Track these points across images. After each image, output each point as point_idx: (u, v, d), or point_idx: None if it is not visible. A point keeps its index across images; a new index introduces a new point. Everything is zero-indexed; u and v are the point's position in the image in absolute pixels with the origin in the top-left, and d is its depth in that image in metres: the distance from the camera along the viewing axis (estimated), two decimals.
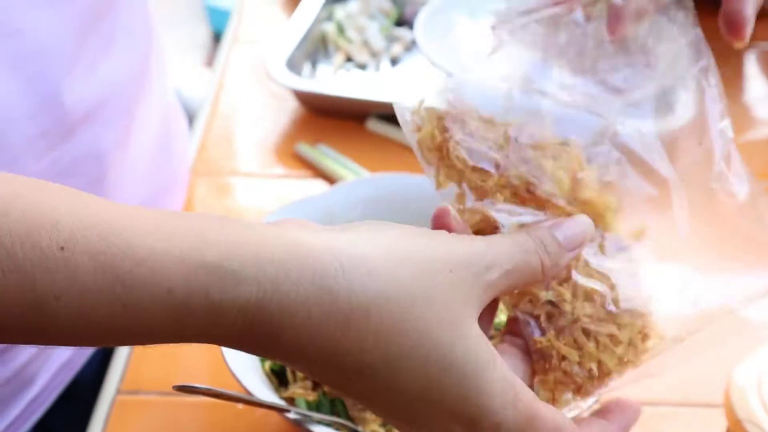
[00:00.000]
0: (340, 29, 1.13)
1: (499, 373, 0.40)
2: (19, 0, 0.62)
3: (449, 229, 0.45)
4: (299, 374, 0.65)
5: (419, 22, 1.06)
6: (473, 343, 0.40)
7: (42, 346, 0.75)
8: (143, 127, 0.80)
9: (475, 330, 0.40)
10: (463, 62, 1.01)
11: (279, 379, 0.66)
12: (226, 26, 1.24)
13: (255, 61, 1.15)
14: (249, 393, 0.59)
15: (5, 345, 0.71)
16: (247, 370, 0.61)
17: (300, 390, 0.63)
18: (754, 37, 1.15)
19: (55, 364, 0.79)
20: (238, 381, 0.60)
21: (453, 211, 0.46)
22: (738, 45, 0.58)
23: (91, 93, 0.69)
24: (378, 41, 1.13)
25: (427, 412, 0.40)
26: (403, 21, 1.18)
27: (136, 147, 0.78)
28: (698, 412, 0.72)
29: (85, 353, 0.82)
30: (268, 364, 0.66)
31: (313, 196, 0.75)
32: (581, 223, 0.46)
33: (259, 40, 1.19)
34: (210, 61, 2.88)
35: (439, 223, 0.46)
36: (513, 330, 0.48)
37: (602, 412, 0.48)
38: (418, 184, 0.76)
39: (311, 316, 0.38)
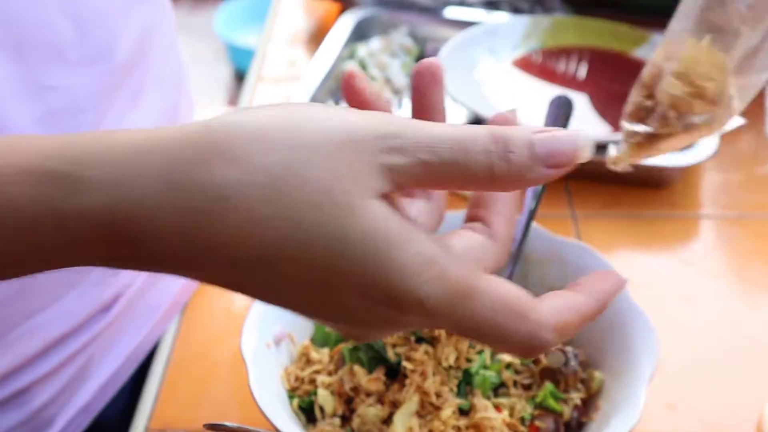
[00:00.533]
0: (363, 67, 1.14)
1: (416, 249, 0.37)
2: (55, 59, 0.64)
3: (359, 96, 0.43)
4: (327, 411, 0.65)
5: (441, 59, 1.07)
6: (371, 224, 0.36)
7: (60, 389, 0.76)
8: None
9: (373, 210, 0.36)
10: (485, 99, 1.02)
11: (307, 416, 0.66)
12: (249, 65, 1.25)
13: (279, 100, 1.16)
14: (278, 430, 0.59)
15: (23, 386, 0.72)
16: (276, 407, 0.62)
17: (328, 427, 0.64)
18: None
19: (75, 407, 0.79)
20: (267, 418, 0.60)
21: (364, 79, 0.43)
22: None
23: None
24: (400, 78, 1.14)
25: (337, 298, 0.37)
26: (425, 58, 1.18)
27: None
28: None
29: (106, 395, 0.83)
30: (296, 401, 0.66)
31: None
32: (578, 141, 0.41)
33: (283, 78, 1.21)
34: (233, 100, 2.91)
35: (349, 89, 0.44)
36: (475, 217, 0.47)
37: (573, 284, 0.44)
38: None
39: (167, 217, 0.35)
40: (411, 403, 0.63)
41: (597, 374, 0.68)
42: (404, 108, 1.12)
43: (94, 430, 0.82)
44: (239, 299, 0.87)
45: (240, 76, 3.01)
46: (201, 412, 0.75)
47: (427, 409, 0.63)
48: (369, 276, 0.36)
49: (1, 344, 0.70)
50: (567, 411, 0.66)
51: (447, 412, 0.63)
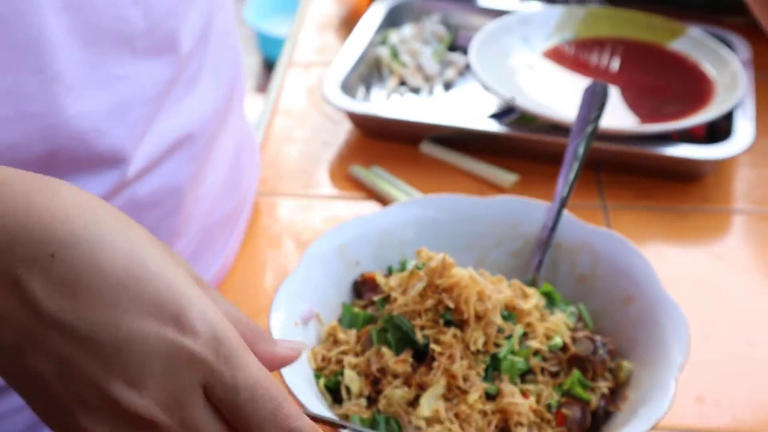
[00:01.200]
0: (394, 53, 1.14)
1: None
2: (125, 48, 0.64)
3: None
4: (354, 392, 0.65)
5: (473, 47, 1.07)
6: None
7: None
8: (219, 159, 0.80)
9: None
10: (518, 89, 1.02)
11: (333, 396, 0.66)
12: (278, 54, 1.25)
13: (310, 85, 1.16)
14: (304, 407, 0.59)
15: None
16: (302, 386, 0.62)
17: (354, 407, 0.64)
18: None
19: None
20: (294, 396, 0.60)
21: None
22: None
23: (172, 130, 0.70)
24: (432, 66, 1.13)
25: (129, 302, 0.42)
26: (456, 46, 1.19)
27: (211, 178, 0.79)
28: None
29: None
30: (322, 381, 0.66)
31: (369, 215, 0.76)
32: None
33: (314, 64, 1.21)
34: (262, 88, 2.91)
35: None
36: None
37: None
38: (472, 204, 0.77)
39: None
40: (438, 386, 0.62)
41: (626, 364, 0.68)
42: (435, 95, 1.12)
43: None
44: (270, 278, 0.88)
45: (269, 65, 3.01)
46: None
47: (454, 393, 0.63)
48: (164, 288, 0.43)
49: None
50: (594, 399, 0.66)
51: (474, 396, 0.62)
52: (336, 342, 0.68)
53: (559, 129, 0.97)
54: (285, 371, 0.61)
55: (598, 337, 0.68)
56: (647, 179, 0.98)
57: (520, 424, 0.63)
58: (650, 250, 0.89)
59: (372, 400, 0.64)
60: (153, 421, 0.43)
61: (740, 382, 0.76)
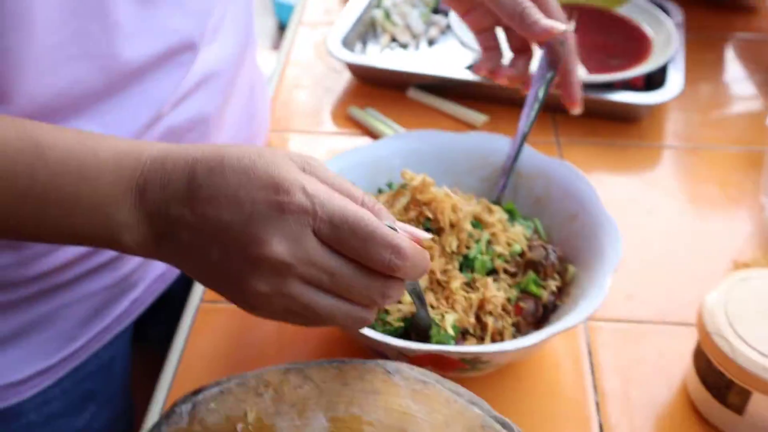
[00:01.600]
0: (387, 15, 1.14)
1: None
2: (175, 8, 0.64)
3: None
4: None
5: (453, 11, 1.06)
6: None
7: (143, 260, 0.78)
8: (237, 94, 0.81)
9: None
10: None
11: None
12: (291, 15, 1.25)
13: (316, 41, 1.16)
14: None
15: (115, 255, 0.74)
16: None
17: None
18: (733, 28, 1.15)
19: (153, 275, 0.82)
20: None
21: None
22: (575, 111, 0.77)
23: (203, 69, 0.71)
24: (418, 25, 1.13)
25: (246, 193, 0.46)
26: (439, 9, 1.18)
27: (231, 110, 0.80)
28: (674, 329, 0.73)
29: (177, 270, 0.85)
30: None
31: (363, 147, 0.76)
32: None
33: (320, 23, 1.20)
34: (276, 46, 2.89)
35: None
36: None
37: None
38: (448, 138, 0.77)
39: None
40: (422, 280, 0.64)
41: (570, 267, 0.69)
42: (420, 50, 1.11)
43: (168, 296, 0.84)
44: None
45: (282, 27, 2.98)
46: None
47: (435, 286, 0.64)
48: (267, 174, 0.46)
49: None
50: (545, 295, 0.67)
51: (456, 284, 0.64)
52: None
53: None
54: None
55: (549, 246, 0.70)
56: (594, 120, 0.98)
57: (491, 313, 0.64)
58: (595, 178, 0.89)
59: None
60: (288, 264, 0.46)
61: (663, 283, 0.78)
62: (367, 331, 0.58)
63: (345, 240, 0.46)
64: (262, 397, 0.53)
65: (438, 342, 0.61)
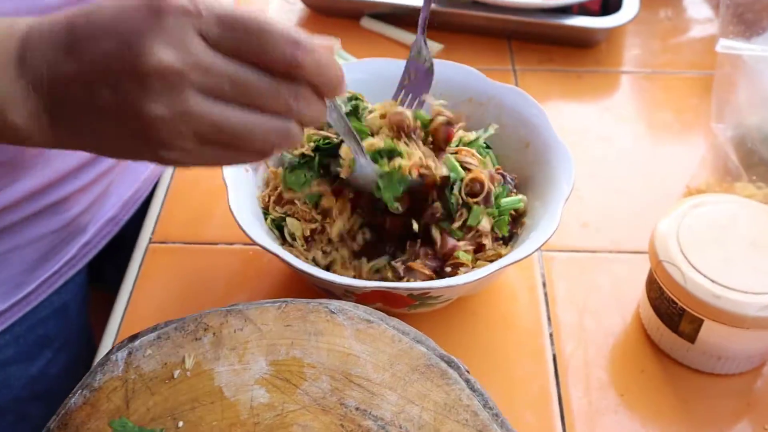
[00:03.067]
0: None
1: None
2: None
3: None
4: (297, 235, 0.62)
5: None
6: None
7: (91, 202, 0.73)
8: None
9: None
10: None
11: (281, 234, 0.63)
12: None
13: None
14: (254, 242, 0.56)
15: (61, 197, 0.70)
16: (252, 222, 0.59)
17: (298, 245, 0.61)
18: None
19: (103, 218, 0.77)
20: (244, 231, 0.57)
21: None
22: None
23: None
24: None
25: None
26: None
27: None
28: (629, 257, 0.70)
29: (129, 210, 0.81)
30: (270, 219, 0.63)
31: None
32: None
33: None
34: None
35: None
36: None
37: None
38: (397, 66, 0.72)
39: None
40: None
41: (523, 197, 0.65)
42: None
43: (119, 238, 0.80)
44: None
45: None
46: (193, 229, 0.73)
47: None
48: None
49: (41, 159, 0.67)
50: None
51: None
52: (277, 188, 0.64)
53: (478, 4, 0.91)
54: (236, 210, 0.58)
55: (507, 174, 0.66)
56: (550, 46, 0.94)
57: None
58: (551, 106, 0.86)
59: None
60: (178, 71, 0.39)
61: (618, 210, 0.74)
62: (308, 268, 0.54)
63: (237, 40, 0.40)
64: (201, 341, 0.49)
65: (387, 197, 0.57)
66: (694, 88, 0.89)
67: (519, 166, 0.67)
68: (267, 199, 0.64)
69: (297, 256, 0.58)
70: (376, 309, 0.59)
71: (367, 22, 0.96)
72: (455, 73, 0.71)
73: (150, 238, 0.72)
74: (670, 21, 1.01)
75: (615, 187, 0.77)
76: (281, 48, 0.40)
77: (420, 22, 0.63)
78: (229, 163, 0.44)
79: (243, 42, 0.40)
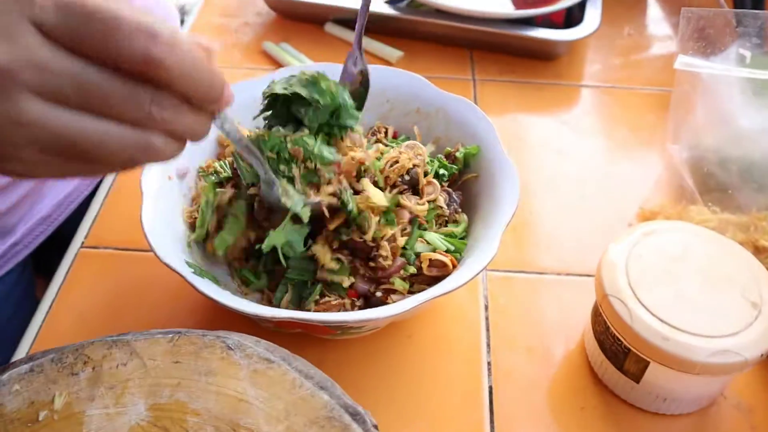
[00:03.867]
0: None
1: None
2: None
3: None
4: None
5: None
6: None
7: (18, 200, 0.62)
8: None
9: None
10: None
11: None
12: None
13: None
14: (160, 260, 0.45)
15: None
16: (165, 242, 0.48)
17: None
18: None
19: (34, 218, 0.66)
20: (153, 251, 0.46)
21: None
22: None
23: None
24: None
25: None
26: None
27: None
28: (577, 281, 0.58)
29: (64, 210, 0.69)
30: (194, 235, 0.52)
31: (255, 79, 0.60)
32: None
33: None
34: None
35: None
36: None
37: None
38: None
39: None
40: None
41: (463, 216, 0.54)
42: None
43: (53, 240, 0.69)
44: None
45: None
46: (130, 235, 0.62)
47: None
48: None
49: None
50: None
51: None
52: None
53: (440, 13, 0.80)
54: (147, 225, 0.47)
55: (452, 192, 0.55)
56: (511, 57, 0.82)
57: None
58: (509, 117, 0.75)
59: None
60: (5, 70, 0.28)
61: (570, 230, 0.63)
62: (213, 293, 0.43)
63: (80, 32, 0.29)
64: (78, 376, 0.38)
65: (293, 212, 0.45)
66: (653, 105, 0.77)
67: (466, 183, 0.56)
68: (192, 218, 0.52)
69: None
70: (297, 334, 0.48)
71: (331, 28, 0.84)
72: (403, 81, 0.60)
73: (82, 242, 0.61)
74: (631, 37, 0.89)
75: (569, 203, 0.65)
76: (133, 42, 0.29)
77: (356, 29, 0.51)
78: (89, 175, 0.33)
79: (86, 34, 0.29)
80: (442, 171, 0.55)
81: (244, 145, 0.42)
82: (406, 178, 0.52)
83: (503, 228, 0.48)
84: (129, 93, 0.30)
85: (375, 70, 0.61)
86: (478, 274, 0.45)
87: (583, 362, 0.52)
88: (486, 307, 0.56)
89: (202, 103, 0.32)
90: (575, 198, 0.66)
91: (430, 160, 0.55)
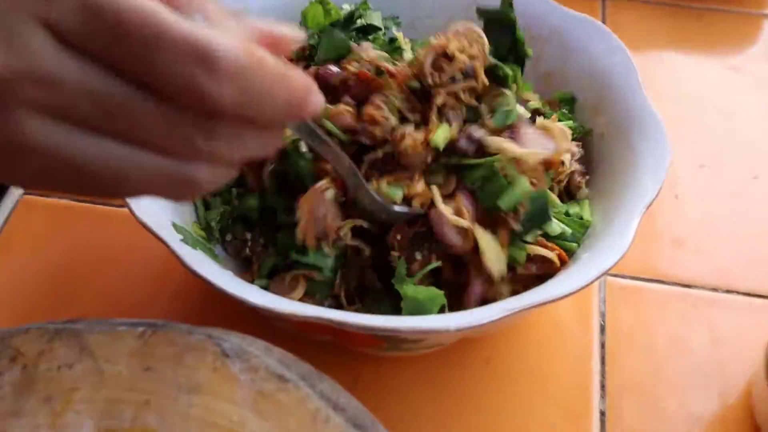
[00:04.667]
0: None
1: None
2: None
3: None
4: None
5: None
6: None
7: None
8: None
9: None
10: None
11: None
12: None
13: None
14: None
15: None
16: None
17: None
18: None
19: None
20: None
21: None
22: None
23: None
24: None
25: None
26: None
27: None
28: (742, 302, 0.57)
29: None
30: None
31: None
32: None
33: None
34: None
35: None
36: None
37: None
38: None
39: None
40: None
41: (583, 190, 0.53)
42: None
43: None
44: None
45: None
46: None
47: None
48: None
49: None
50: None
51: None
52: None
53: None
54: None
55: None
56: None
57: None
58: (650, 56, 0.75)
59: None
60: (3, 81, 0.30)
61: (732, 227, 0.61)
62: (206, 271, 0.42)
63: (110, 46, 0.30)
64: (1, 377, 0.37)
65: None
66: None
67: (583, 143, 0.54)
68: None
69: None
70: (327, 343, 0.47)
71: None
72: None
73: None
74: None
75: (734, 188, 0.64)
76: (177, 64, 0.29)
77: None
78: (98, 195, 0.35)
79: (117, 50, 0.30)
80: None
81: (335, 155, 0.44)
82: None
83: (641, 213, 0.46)
84: (168, 119, 0.31)
85: None
86: (598, 278, 0.43)
87: (748, 424, 0.50)
88: (602, 329, 0.55)
89: (274, 123, 0.33)
90: (745, 180, 0.65)
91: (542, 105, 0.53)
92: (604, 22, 0.75)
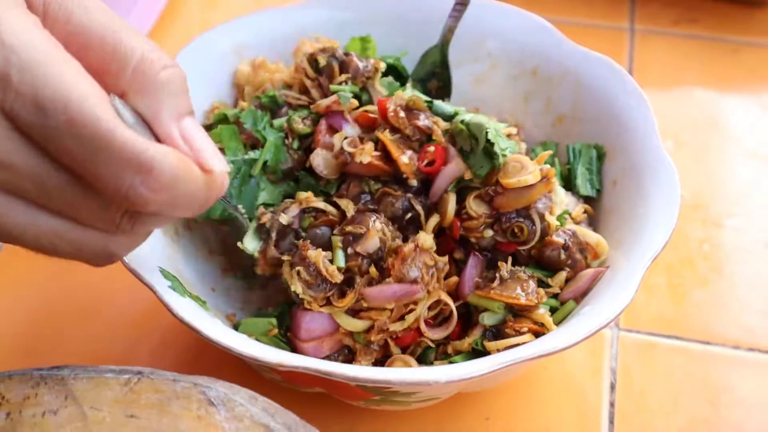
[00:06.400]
0: None
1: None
2: None
3: None
4: None
5: None
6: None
7: None
8: None
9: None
10: None
11: None
12: None
13: None
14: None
15: None
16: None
17: None
18: None
19: None
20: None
21: None
22: None
23: None
24: None
25: None
26: None
27: None
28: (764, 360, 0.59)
29: None
30: None
31: (273, 10, 0.65)
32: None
33: None
34: None
35: None
36: None
37: None
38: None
39: None
40: None
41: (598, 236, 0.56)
42: None
43: None
44: None
45: None
46: None
47: None
48: None
49: None
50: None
51: None
52: None
53: None
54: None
55: (570, 230, 0.56)
56: (694, 0, 0.83)
57: None
58: (680, 94, 0.78)
59: None
60: None
61: (755, 278, 0.64)
62: (194, 319, 0.46)
63: (59, 143, 0.37)
64: None
65: None
66: None
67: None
68: None
69: None
70: (316, 395, 0.51)
71: None
72: (515, 25, 0.62)
73: None
74: None
75: (756, 237, 0.67)
76: (119, 173, 0.37)
77: None
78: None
79: (65, 147, 0.37)
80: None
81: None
82: None
83: (648, 262, 0.49)
84: (101, 206, 0.38)
85: (475, 4, 0.64)
86: (601, 328, 0.46)
87: None
88: (612, 387, 0.58)
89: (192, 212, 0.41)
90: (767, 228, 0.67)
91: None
92: (631, 56, 0.78)
